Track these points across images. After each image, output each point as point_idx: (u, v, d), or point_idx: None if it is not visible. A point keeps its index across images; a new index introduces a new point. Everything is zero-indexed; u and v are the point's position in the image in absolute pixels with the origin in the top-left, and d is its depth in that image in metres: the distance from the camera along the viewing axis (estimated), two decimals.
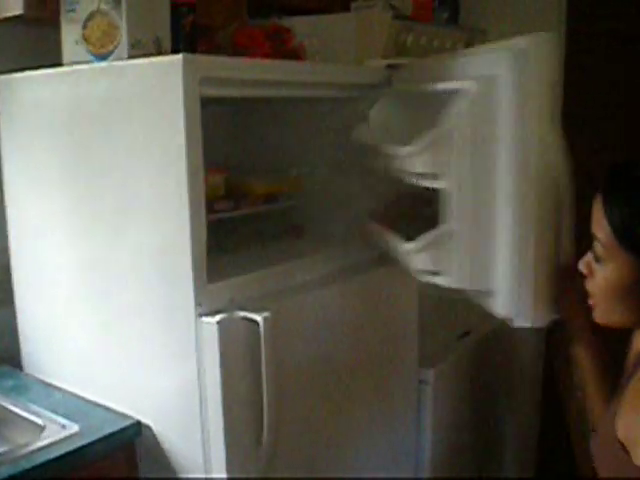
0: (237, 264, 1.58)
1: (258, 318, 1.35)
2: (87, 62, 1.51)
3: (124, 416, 1.48)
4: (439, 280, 1.44)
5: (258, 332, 1.35)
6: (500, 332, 2.14)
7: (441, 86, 1.50)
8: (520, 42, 1.30)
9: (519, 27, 2.16)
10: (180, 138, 1.31)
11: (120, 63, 1.43)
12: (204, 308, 1.37)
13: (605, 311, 1.03)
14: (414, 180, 1.50)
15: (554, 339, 1.69)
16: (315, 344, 1.55)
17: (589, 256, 1.04)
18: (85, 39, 1.56)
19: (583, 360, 1.16)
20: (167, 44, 1.57)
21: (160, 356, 1.45)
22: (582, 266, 1.05)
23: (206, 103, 1.32)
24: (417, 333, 1.91)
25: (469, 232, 1.38)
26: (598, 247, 1.00)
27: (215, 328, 1.34)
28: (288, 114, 1.96)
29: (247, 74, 1.42)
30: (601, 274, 1.00)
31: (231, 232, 1.74)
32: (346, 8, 2.14)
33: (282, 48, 1.69)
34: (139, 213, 1.43)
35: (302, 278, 1.59)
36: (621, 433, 0.93)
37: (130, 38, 1.50)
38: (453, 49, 2.20)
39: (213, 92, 1.37)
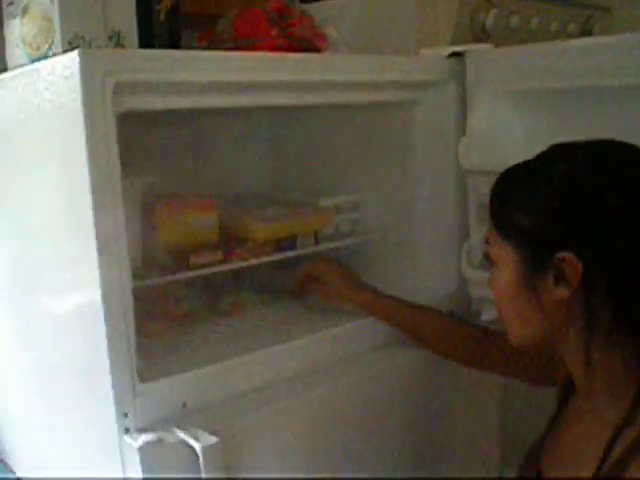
0: (211, 345, 1.13)
1: (196, 446, 0.89)
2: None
3: None
4: None
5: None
6: None
7: None
8: None
9: None
10: (84, 172, 0.88)
11: (20, 70, 1.03)
12: (132, 421, 0.94)
13: (511, 323, 0.86)
14: None
15: None
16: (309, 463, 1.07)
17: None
18: (23, 38, 1.19)
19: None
20: (132, 39, 1.14)
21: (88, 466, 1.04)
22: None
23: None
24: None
25: None
26: (489, 248, 0.87)
27: (136, 454, 0.90)
28: (321, 125, 1.50)
29: (199, 74, 0.96)
30: (495, 276, 0.86)
31: (221, 291, 1.30)
32: None
33: (290, 33, 1.22)
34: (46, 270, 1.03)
35: (298, 367, 1.10)
36: None
37: (66, 33, 1.08)
38: (562, 33, 1.62)
39: (143, 103, 0.93)
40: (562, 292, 0.77)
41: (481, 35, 1.43)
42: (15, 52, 1.20)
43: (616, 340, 0.76)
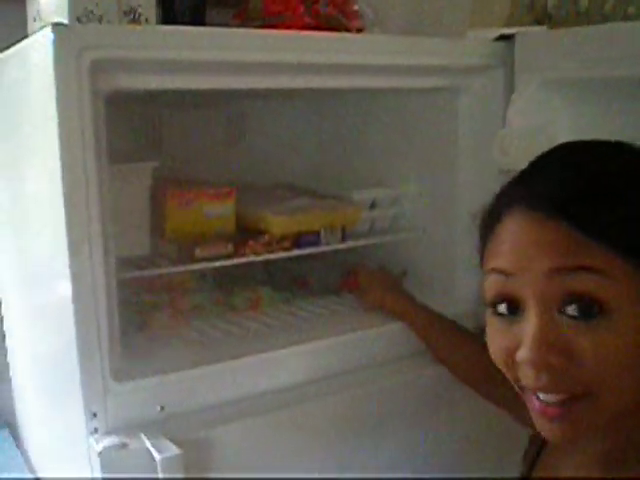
0: (209, 344, 1.06)
1: (156, 457, 0.82)
2: None
3: None
4: None
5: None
6: None
7: None
8: None
9: None
10: (55, 160, 0.82)
11: (16, 47, 0.98)
12: (102, 422, 0.88)
13: (614, 391, 0.54)
14: None
15: None
16: None
17: None
18: (40, 13, 1.15)
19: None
20: (149, 15, 1.08)
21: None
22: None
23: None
24: None
25: None
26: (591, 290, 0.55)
27: (96, 458, 0.84)
28: (360, 115, 1.39)
29: (183, 52, 0.88)
30: (607, 329, 0.52)
31: (237, 286, 1.23)
32: None
33: (315, 11, 1.11)
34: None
35: (294, 376, 1.01)
36: None
37: (74, 8, 1.04)
38: None
39: (125, 83, 0.86)
40: None
41: (542, 18, 1.27)
42: (33, 27, 1.16)
43: None
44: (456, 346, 1.07)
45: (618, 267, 0.51)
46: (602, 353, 0.51)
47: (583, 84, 1.03)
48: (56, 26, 0.80)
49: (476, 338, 1.03)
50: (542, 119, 1.02)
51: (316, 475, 0.96)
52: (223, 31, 0.92)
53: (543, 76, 1.09)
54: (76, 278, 0.84)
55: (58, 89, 0.80)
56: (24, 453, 1.29)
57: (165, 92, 1.09)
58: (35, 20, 1.16)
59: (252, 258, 1.14)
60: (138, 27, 0.92)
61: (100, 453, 0.84)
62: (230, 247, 1.12)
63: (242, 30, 1.00)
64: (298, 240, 1.19)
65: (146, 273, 1.02)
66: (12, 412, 1.35)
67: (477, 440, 1.13)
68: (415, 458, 1.08)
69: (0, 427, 1.37)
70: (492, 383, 0.94)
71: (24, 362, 1.23)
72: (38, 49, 0.86)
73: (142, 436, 0.86)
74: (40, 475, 1.19)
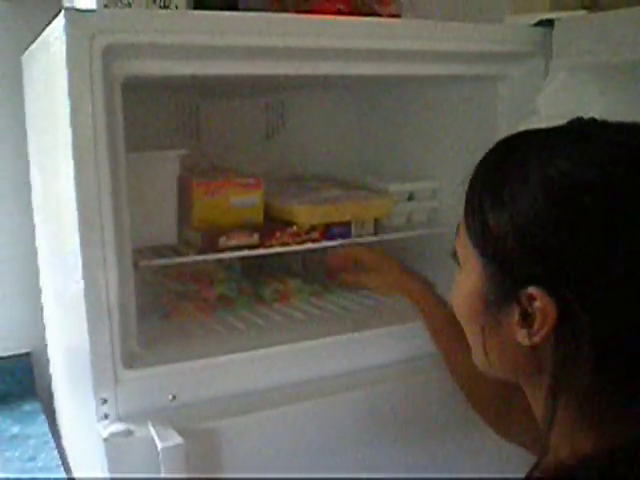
0: (229, 335, 1.05)
1: (158, 445, 0.81)
2: None
3: None
4: None
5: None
6: None
7: None
8: None
9: None
10: (68, 147, 0.83)
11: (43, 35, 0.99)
12: (112, 408, 0.88)
13: (473, 342, 0.66)
14: None
15: None
16: None
17: None
18: (72, 1, 1.16)
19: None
20: (179, 1, 1.09)
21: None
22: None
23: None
24: None
25: None
26: (457, 244, 0.65)
27: (101, 444, 0.85)
28: (400, 105, 1.36)
29: (200, 37, 0.87)
30: (458, 281, 0.65)
31: (266, 277, 1.21)
32: None
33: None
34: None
35: (309, 371, 0.99)
36: None
37: None
38: None
39: (139, 69, 0.86)
40: (525, 338, 0.55)
41: (590, 4, 1.20)
42: None
43: (589, 407, 0.56)
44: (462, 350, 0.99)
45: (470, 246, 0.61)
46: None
47: (615, 70, 0.97)
48: (68, 11, 0.80)
49: None
50: (572, 106, 0.96)
51: (321, 475, 0.94)
52: (237, 16, 0.91)
53: (573, 62, 1.03)
54: (87, 265, 0.84)
55: (70, 74, 0.81)
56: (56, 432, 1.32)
57: (202, 81, 1.09)
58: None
59: (276, 249, 1.12)
60: (152, 12, 0.91)
61: (106, 439, 0.84)
62: (256, 237, 1.11)
63: (268, 16, 0.98)
64: (327, 231, 1.17)
65: (162, 262, 1.02)
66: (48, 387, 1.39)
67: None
68: (431, 465, 1.04)
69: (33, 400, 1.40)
70: (497, 408, 0.90)
71: (55, 343, 1.26)
72: (55, 36, 0.86)
73: (149, 424, 0.85)
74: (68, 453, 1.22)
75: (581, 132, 0.58)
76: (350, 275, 1.11)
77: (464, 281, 0.62)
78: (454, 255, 0.65)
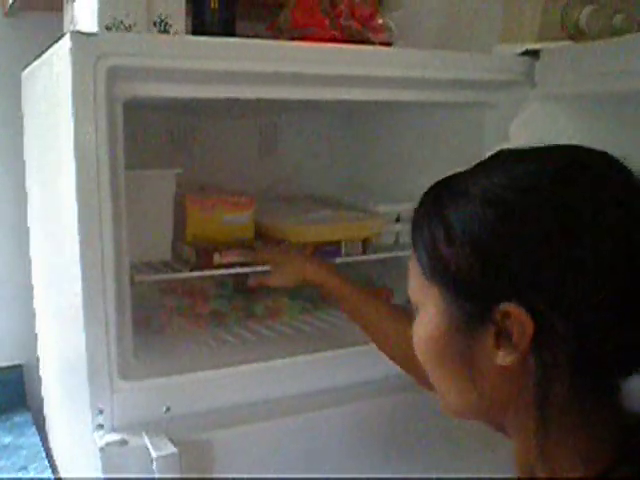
0: (221, 349, 1.08)
1: (153, 454, 0.84)
2: None
3: None
4: None
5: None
6: None
7: None
8: None
9: None
10: (71, 165, 0.86)
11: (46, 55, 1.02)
12: (108, 419, 0.91)
13: (440, 388, 0.64)
14: None
15: None
16: None
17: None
18: (74, 22, 1.20)
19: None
20: (179, 26, 1.11)
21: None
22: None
23: None
24: None
25: None
26: (409, 287, 0.65)
27: (97, 453, 0.87)
28: (389, 129, 1.40)
29: (201, 61, 0.91)
30: (417, 322, 0.64)
31: (258, 294, 1.24)
32: None
33: (338, 24, 1.13)
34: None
35: (301, 386, 1.02)
36: None
37: (103, 18, 1.07)
38: None
39: (141, 90, 0.90)
40: (505, 357, 0.55)
41: (575, 34, 1.25)
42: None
43: (578, 422, 0.56)
44: (385, 318, 0.97)
45: (426, 284, 0.61)
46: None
47: (590, 100, 1.01)
48: (74, 34, 0.83)
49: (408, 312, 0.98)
50: (543, 135, 1.01)
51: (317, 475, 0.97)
52: (234, 42, 0.95)
53: (551, 91, 1.08)
54: (86, 279, 0.87)
55: (75, 94, 0.84)
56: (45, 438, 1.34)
57: (197, 102, 1.13)
58: (68, 30, 1.22)
59: (266, 268, 1.16)
60: (154, 36, 0.94)
61: (101, 449, 0.86)
62: (248, 255, 1.14)
63: (255, 41, 1.01)
64: (318, 250, 1.21)
65: (157, 277, 1.05)
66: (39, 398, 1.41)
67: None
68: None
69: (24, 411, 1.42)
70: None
71: (49, 356, 1.28)
72: (60, 56, 0.90)
73: (143, 434, 0.88)
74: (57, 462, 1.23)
75: (511, 153, 0.60)
76: (253, 281, 1.14)
77: (424, 322, 0.62)
78: (409, 302, 0.65)
